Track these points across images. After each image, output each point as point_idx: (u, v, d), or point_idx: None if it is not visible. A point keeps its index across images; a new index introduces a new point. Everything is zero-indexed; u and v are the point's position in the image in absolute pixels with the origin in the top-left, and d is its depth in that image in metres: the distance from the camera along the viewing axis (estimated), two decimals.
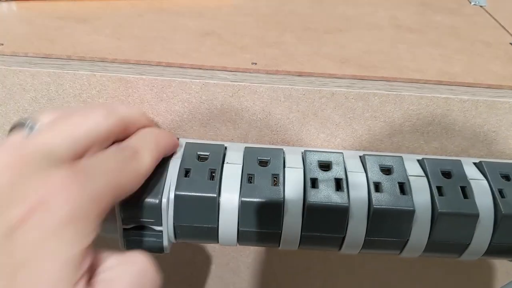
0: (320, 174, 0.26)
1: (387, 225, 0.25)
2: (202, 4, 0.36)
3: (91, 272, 0.17)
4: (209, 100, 0.28)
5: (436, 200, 0.25)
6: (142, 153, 0.22)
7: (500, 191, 0.26)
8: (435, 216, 0.25)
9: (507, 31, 0.36)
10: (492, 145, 0.29)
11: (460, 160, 0.28)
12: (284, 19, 0.35)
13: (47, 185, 0.16)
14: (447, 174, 0.27)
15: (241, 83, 0.27)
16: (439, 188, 0.26)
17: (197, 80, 0.27)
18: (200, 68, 0.28)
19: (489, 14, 0.39)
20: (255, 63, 0.28)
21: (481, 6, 0.40)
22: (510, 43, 0.34)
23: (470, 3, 0.41)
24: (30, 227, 0.15)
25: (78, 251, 0.16)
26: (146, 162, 0.22)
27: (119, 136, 0.22)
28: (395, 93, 0.28)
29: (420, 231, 0.25)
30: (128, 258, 0.18)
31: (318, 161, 0.26)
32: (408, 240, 0.25)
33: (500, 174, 0.27)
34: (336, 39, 0.32)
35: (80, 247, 0.16)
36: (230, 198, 0.25)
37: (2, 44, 0.28)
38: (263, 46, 0.31)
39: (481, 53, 0.32)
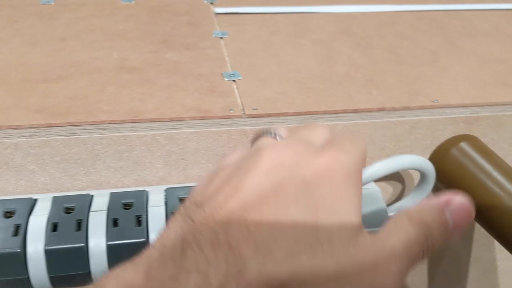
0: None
1: None
2: None
3: None
4: None
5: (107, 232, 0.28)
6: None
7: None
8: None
9: (227, 61, 0.40)
10: (187, 170, 0.33)
11: (144, 190, 0.30)
12: (10, 72, 0.37)
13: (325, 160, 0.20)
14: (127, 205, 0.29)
15: None
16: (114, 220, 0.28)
17: None
18: None
19: (224, 45, 0.43)
20: None
21: (221, 38, 0.44)
22: (221, 74, 0.38)
23: (212, 35, 0.45)
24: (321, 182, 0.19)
25: (359, 199, 0.20)
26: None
27: None
28: (75, 136, 0.30)
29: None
30: None
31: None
32: None
33: (178, 197, 0.30)
34: (49, 88, 0.35)
35: (360, 194, 0.20)
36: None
37: None
38: None
39: (185, 87, 0.36)
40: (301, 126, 0.27)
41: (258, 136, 0.25)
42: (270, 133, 0.25)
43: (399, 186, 0.36)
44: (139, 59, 0.40)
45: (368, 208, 0.31)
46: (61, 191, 0.31)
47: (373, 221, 0.31)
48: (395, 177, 0.35)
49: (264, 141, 0.24)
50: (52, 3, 0.49)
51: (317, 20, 0.49)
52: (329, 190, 0.19)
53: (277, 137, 0.24)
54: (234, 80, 0.37)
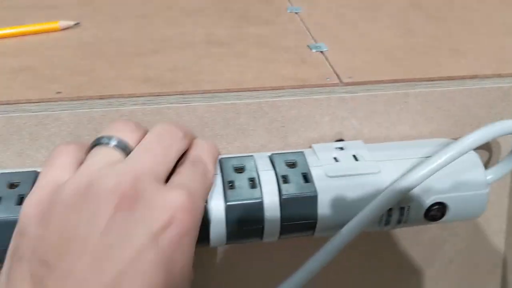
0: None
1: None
2: (25, 41, 0.38)
3: None
4: (17, 132, 0.30)
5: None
6: (209, 165, 0.27)
7: (284, 177, 0.30)
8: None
9: (310, 34, 0.41)
10: (286, 138, 0.34)
11: (252, 155, 0.31)
12: (103, 47, 0.38)
13: (171, 205, 0.22)
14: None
15: (44, 113, 0.30)
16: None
17: (2, 115, 0.30)
18: (5, 104, 0.30)
19: (301, 20, 0.44)
20: (60, 92, 0.31)
21: (296, 13, 0.45)
22: (308, 46, 0.39)
23: (287, 11, 0.45)
24: (168, 235, 0.22)
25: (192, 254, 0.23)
26: (212, 173, 0.27)
27: None
28: (186, 105, 0.31)
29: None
30: None
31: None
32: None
33: (285, 162, 0.31)
34: (146, 61, 0.36)
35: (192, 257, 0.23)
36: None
37: None
38: (73, 75, 0.33)
39: (277, 59, 0.36)
40: (158, 127, 0.27)
41: (93, 145, 0.25)
42: (105, 141, 0.25)
43: (485, 153, 0.37)
44: (224, 33, 0.41)
45: (466, 173, 0.32)
46: None
47: (472, 186, 0.32)
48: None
49: (94, 160, 0.24)
50: None
51: None
52: (172, 245, 0.22)
53: (117, 146, 0.24)
54: (321, 52, 0.38)
